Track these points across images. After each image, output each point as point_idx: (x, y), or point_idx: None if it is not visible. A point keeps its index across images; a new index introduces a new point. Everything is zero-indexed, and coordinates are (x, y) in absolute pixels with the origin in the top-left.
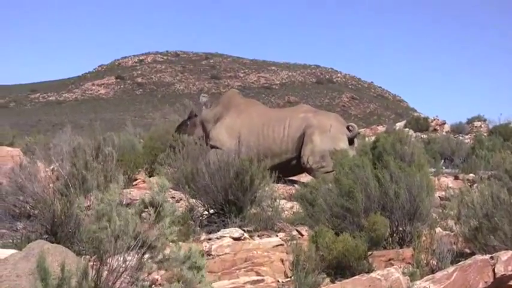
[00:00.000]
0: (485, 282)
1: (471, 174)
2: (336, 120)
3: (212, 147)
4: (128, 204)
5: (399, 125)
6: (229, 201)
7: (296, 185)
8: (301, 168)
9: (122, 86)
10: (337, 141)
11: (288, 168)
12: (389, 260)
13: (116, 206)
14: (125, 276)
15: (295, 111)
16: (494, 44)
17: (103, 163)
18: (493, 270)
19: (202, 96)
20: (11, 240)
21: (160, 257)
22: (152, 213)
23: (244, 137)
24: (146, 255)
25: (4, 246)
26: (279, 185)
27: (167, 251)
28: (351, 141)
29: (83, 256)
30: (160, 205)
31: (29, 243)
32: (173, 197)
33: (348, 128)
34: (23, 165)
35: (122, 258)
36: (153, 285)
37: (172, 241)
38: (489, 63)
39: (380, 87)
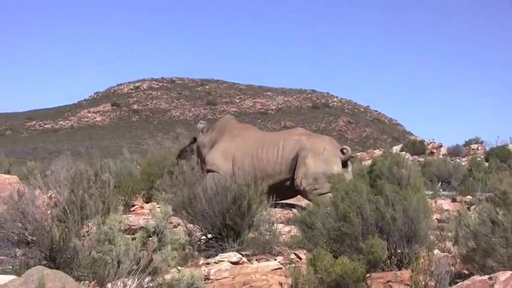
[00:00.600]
0: None
1: (468, 196)
2: (330, 143)
3: (208, 171)
4: (126, 230)
5: (396, 148)
6: (227, 226)
7: (293, 209)
8: (295, 190)
9: (117, 113)
10: (330, 164)
11: (283, 189)
12: (388, 282)
13: (118, 231)
14: None
15: (290, 133)
16: (490, 66)
17: (101, 189)
18: None
19: (200, 123)
20: (10, 267)
21: (159, 280)
22: (155, 239)
23: (239, 160)
24: (146, 279)
25: (3, 273)
26: (276, 209)
27: (168, 276)
28: (344, 164)
29: (82, 282)
30: (161, 232)
31: (28, 269)
32: (171, 222)
33: (341, 150)
34: (21, 192)
35: (121, 283)
36: None
37: (173, 266)
38: (486, 85)
39: (376, 111)
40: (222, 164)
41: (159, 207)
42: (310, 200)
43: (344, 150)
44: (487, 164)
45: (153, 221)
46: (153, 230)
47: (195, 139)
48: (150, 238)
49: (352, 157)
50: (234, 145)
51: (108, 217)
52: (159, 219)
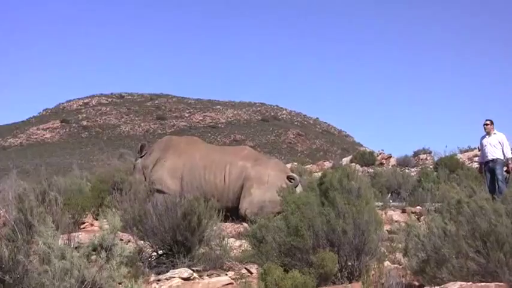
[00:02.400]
0: None
1: (418, 207)
2: (275, 169)
3: (158, 191)
4: (76, 248)
5: (345, 160)
6: (177, 242)
7: (244, 223)
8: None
9: (67, 130)
10: (275, 191)
11: (231, 212)
12: None
13: (57, 249)
14: None
15: (236, 155)
16: (437, 77)
17: (49, 207)
18: None
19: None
20: None
21: None
22: (103, 255)
23: (187, 180)
24: None
25: None
26: (227, 223)
27: None
28: None
29: None
30: (109, 247)
31: None
32: (121, 239)
33: (288, 178)
34: None
35: None
36: None
37: (120, 283)
38: (433, 95)
39: (325, 122)
40: (171, 184)
41: (106, 221)
42: None
43: (291, 179)
44: (435, 174)
45: (100, 235)
46: (100, 244)
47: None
48: (94, 252)
49: (298, 184)
50: (181, 163)
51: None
52: (106, 233)
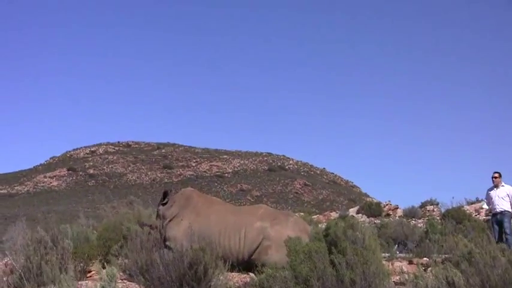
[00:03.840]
0: None
1: (425, 258)
2: (295, 229)
3: (168, 247)
4: None
5: (352, 210)
6: None
7: (251, 273)
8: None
9: (74, 178)
10: None
11: (241, 264)
12: None
13: None
14: None
15: (252, 216)
16: (444, 129)
17: (57, 256)
18: None
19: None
20: None
21: None
22: None
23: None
24: None
25: None
26: (233, 273)
27: None
28: None
29: None
30: None
31: None
32: None
33: None
34: None
35: None
36: None
37: None
38: (440, 146)
39: (332, 173)
40: (186, 246)
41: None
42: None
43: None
44: (442, 226)
45: (100, 284)
46: None
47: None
48: None
49: None
50: (197, 226)
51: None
52: (106, 282)
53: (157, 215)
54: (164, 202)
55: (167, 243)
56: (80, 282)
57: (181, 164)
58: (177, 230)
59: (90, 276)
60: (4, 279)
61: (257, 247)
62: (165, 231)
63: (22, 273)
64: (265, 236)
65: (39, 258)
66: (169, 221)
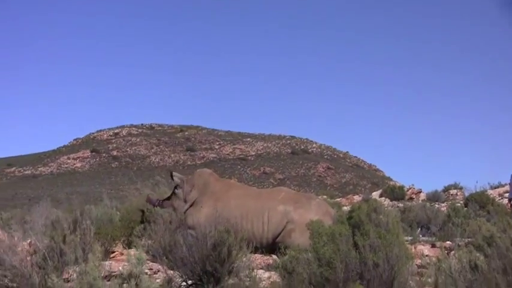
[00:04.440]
0: None
1: (448, 242)
2: (318, 213)
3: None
4: (106, 277)
5: (375, 194)
6: (207, 272)
7: (274, 255)
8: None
9: (97, 159)
10: None
11: (264, 247)
12: None
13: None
14: None
15: (274, 199)
16: (469, 112)
17: (81, 236)
18: None
19: (174, 176)
20: None
21: None
22: (132, 283)
23: None
24: None
25: None
26: (256, 255)
27: None
28: None
29: None
30: (138, 277)
31: None
32: (151, 269)
33: None
34: (0, 239)
35: None
36: None
37: None
38: (465, 130)
39: (356, 156)
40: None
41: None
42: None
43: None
44: (466, 210)
45: (128, 266)
46: (129, 275)
47: (173, 193)
48: (124, 285)
49: None
50: (217, 212)
51: (88, 264)
52: (133, 265)
53: (174, 194)
54: (181, 186)
55: (190, 231)
56: (103, 263)
57: (204, 146)
58: (198, 217)
59: (114, 257)
60: (28, 258)
61: (281, 231)
62: (186, 218)
63: (46, 253)
64: (289, 219)
65: (63, 238)
66: (190, 206)
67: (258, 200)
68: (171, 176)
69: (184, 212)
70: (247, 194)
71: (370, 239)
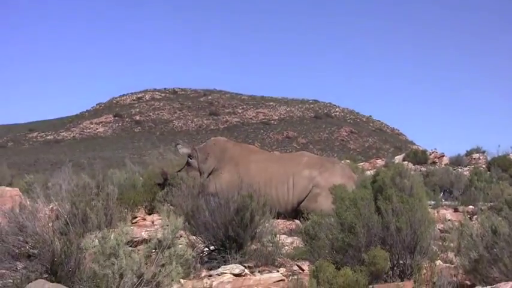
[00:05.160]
0: None
1: (470, 206)
2: (343, 176)
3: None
4: (128, 242)
5: (398, 158)
6: (229, 238)
7: (296, 220)
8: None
9: (120, 124)
10: None
11: (288, 213)
12: None
13: (123, 244)
14: None
15: (298, 164)
16: (490, 75)
17: (103, 202)
18: None
19: (180, 147)
20: (11, 281)
21: None
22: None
23: None
24: None
25: (4, 287)
26: (279, 220)
27: None
28: None
29: None
30: (168, 246)
31: (29, 283)
32: (176, 237)
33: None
34: (22, 204)
35: None
36: None
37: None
38: (486, 94)
39: (378, 120)
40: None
41: (169, 219)
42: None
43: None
44: (488, 174)
45: (161, 233)
46: (159, 243)
47: (187, 163)
48: (154, 251)
49: None
50: (237, 176)
51: (114, 230)
52: (168, 233)
53: (188, 164)
54: (191, 154)
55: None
56: (125, 228)
57: (227, 110)
58: (220, 183)
59: (136, 223)
60: (50, 224)
61: (307, 195)
62: (207, 186)
63: (68, 219)
64: (314, 183)
65: (85, 204)
66: (209, 174)
67: (281, 165)
68: (176, 147)
69: (203, 181)
70: (269, 159)
71: (392, 204)
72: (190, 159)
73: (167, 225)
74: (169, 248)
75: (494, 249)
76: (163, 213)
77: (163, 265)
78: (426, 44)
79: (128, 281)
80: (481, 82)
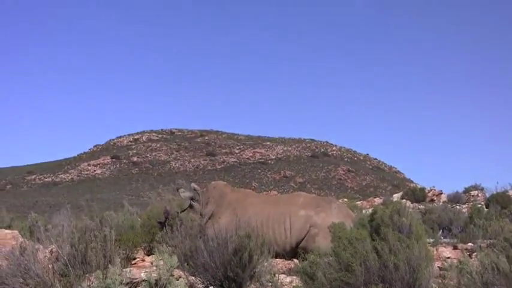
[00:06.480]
0: None
1: (469, 244)
2: (339, 216)
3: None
4: (127, 284)
5: (396, 196)
6: (228, 278)
7: (295, 260)
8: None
9: (117, 166)
10: None
11: (286, 253)
12: None
13: (119, 284)
14: None
15: (294, 205)
16: (490, 113)
17: (102, 243)
18: None
19: (182, 192)
20: None
21: None
22: None
23: None
24: None
25: None
26: (277, 259)
27: None
28: None
29: None
30: (164, 286)
31: None
32: (172, 275)
33: None
34: (23, 246)
35: None
36: None
37: None
38: (485, 131)
39: (376, 159)
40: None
41: (161, 259)
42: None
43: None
44: (487, 211)
45: (156, 273)
46: (155, 283)
47: (190, 205)
48: None
49: None
50: (236, 220)
51: (108, 271)
52: (163, 272)
53: (190, 207)
54: (196, 199)
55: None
56: (124, 270)
57: (224, 151)
58: (218, 228)
59: (135, 264)
60: (50, 266)
61: (305, 236)
62: (206, 231)
63: (67, 260)
64: (311, 223)
65: (84, 245)
66: (208, 219)
67: (277, 207)
68: (178, 192)
69: (203, 225)
70: (266, 201)
71: (389, 242)
72: (193, 202)
73: (162, 265)
74: (165, 287)
75: (495, 287)
76: (158, 253)
77: None
78: (419, 81)
79: None
80: (478, 119)
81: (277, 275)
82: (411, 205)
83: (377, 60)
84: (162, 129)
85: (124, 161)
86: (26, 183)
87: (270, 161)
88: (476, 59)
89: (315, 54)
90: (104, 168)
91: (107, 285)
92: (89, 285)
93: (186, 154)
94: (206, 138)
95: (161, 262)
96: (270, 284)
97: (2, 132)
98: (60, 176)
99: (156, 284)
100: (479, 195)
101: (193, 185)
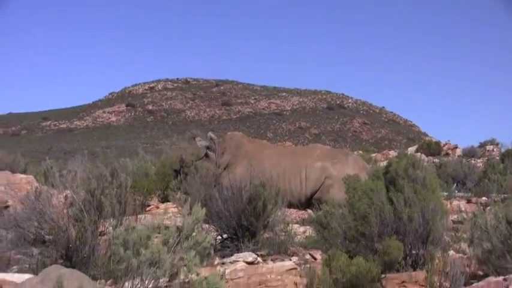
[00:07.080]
0: None
1: (484, 198)
2: (355, 168)
3: None
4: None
5: (411, 149)
6: (242, 226)
7: (309, 210)
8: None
9: (132, 114)
10: None
11: (301, 204)
12: (403, 282)
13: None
14: None
15: (310, 157)
16: (507, 66)
17: (117, 190)
18: None
19: (198, 140)
20: (27, 265)
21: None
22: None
23: None
24: (161, 280)
25: (20, 271)
26: (291, 210)
27: (188, 276)
28: None
29: (99, 280)
30: (190, 236)
31: (44, 268)
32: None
33: None
34: (38, 191)
35: (138, 283)
36: None
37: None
38: (501, 86)
39: (391, 112)
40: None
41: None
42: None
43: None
44: (502, 166)
45: (181, 222)
46: (178, 231)
47: (206, 154)
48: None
49: None
50: (252, 171)
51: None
52: (188, 223)
53: (206, 156)
54: (211, 146)
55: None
56: (139, 216)
57: (239, 101)
58: (233, 177)
59: (149, 211)
60: (64, 211)
61: (320, 187)
62: (221, 180)
63: (82, 206)
64: (327, 175)
65: (100, 191)
66: (224, 169)
67: (293, 158)
68: (195, 140)
69: (219, 174)
70: (282, 153)
71: (404, 194)
72: (209, 151)
73: (188, 214)
74: (187, 238)
75: (508, 240)
76: (179, 201)
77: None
78: (440, 35)
79: (144, 267)
80: (496, 73)
81: (290, 225)
82: (426, 158)
83: (394, 14)
84: (177, 78)
85: (139, 109)
86: (41, 129)
87: (285, 112)
88: (493, 13)
89: (333, 5)
90: (119, 115)
91: (121, 231)
92: (103, 231)
93: (201, 103)
94: (222, 88)
95: (187, 211)
96: (284, 233)
97: (18, 77)
98: (75, 122)
99: (178, 233)
100: (495, 150)
101: (210, 134)
